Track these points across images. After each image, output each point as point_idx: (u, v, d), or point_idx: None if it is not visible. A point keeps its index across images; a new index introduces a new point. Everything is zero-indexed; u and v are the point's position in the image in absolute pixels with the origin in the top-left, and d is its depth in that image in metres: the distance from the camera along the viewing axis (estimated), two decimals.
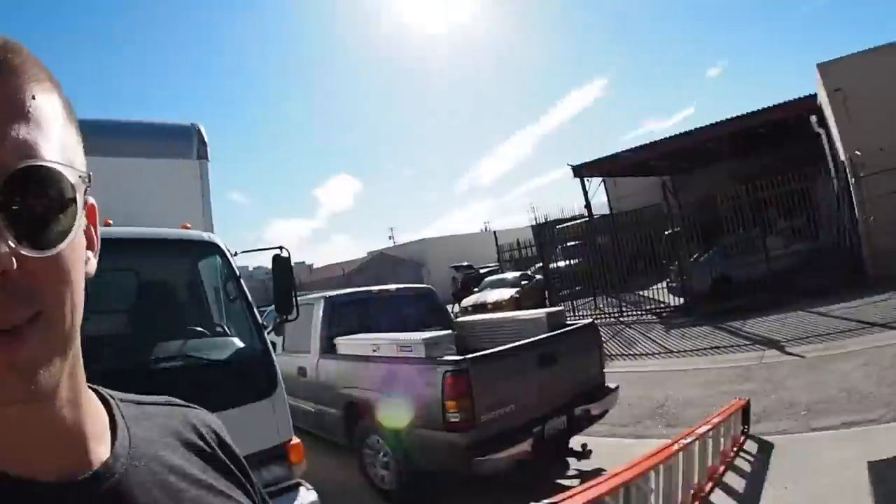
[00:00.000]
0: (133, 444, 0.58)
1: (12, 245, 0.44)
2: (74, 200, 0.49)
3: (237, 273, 3.70)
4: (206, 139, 4.58)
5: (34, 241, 0.45)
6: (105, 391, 0.62)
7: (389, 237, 57.25)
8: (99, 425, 0.57)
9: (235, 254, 3.89)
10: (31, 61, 0.50)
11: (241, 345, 3.64)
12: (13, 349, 0.44)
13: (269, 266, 4.13)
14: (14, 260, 0.44)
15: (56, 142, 0.49)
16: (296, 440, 3.51)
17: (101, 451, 0.56)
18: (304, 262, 51.86)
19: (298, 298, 4.03)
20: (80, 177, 0.49)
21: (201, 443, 0.67)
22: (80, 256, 0.52)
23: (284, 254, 3.87)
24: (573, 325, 6.00)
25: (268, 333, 3.71)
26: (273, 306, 4.19)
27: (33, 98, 0.49)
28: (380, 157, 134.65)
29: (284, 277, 3.88)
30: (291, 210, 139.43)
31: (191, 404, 0.72)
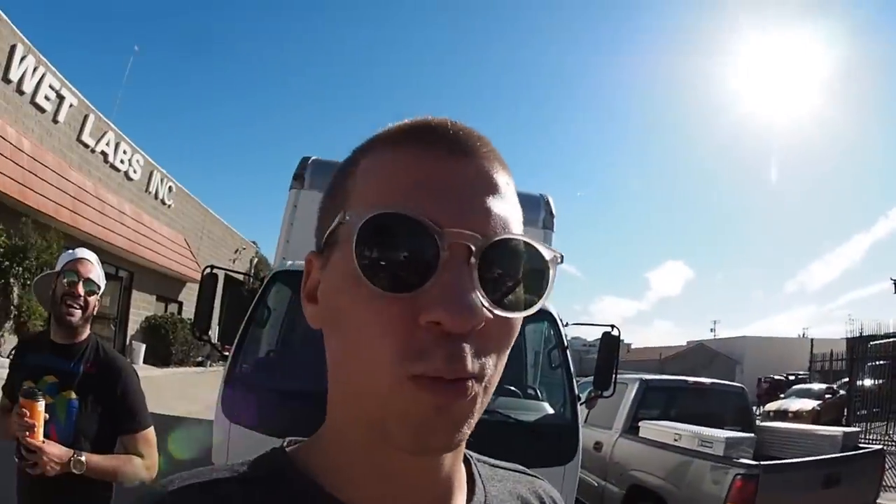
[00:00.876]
0: (487, 502, 0.60)
1: (486, 304, 0.46)
2: (547, 276, 0.51)
3: (565, 343, 3.77)
4: (553, 211, 4.68)
5: (501, 305, 0.47)
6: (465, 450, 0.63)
7: (711, 329, 56.23)
8: (461, 480, 0.59)
9: (566, 324, 3.99)
10: (495, 150, 0.54)
11: (551, 410, 3.70)
12: (451, 399, 0.45)
13: (586, 338, 4.31)
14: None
15: (519, 222, 0.53)
16: None
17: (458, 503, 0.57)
18: (623, 340, 53.75)
19: (617, 375, 4.04)
20: (554, 256, 0.52)
21: None
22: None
23: (615, 332, 3.94)
24: (863, 448, 5.91)
25: (581, 404, 3.72)
26: (584, 378, 4.26)
27: (507, 183, 0.53)
28: (717, 249, 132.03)
29: (610, 354, 3.94)
30: (621, 289, 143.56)
31: (537, 475, 0.72)
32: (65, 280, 2.11)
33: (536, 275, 0.51)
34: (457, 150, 0.52)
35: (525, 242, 0.50)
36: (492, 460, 0.68)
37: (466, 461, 0.63)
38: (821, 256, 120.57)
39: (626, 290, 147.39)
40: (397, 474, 0.52)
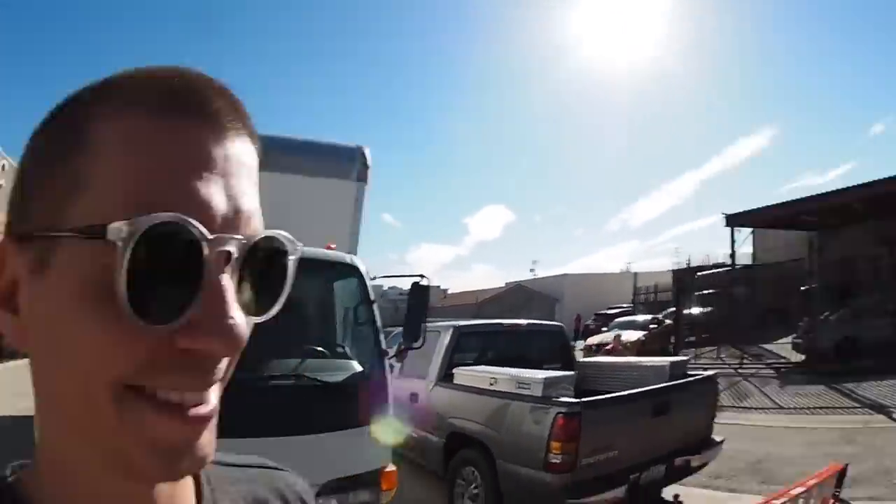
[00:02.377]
0: None
1: (243, 315, 0.42)
2: (288, 271, 0.47)
3: (371, 298, 3.71)
4: (368, 162, 4.54)
5: (255, 309, 0.44)
6: None
7: (531, 269, 57.25)
8: (188, 493, 0.52)
9: (374, 278, 3.90)
10: (248, 114, 0.46)
11: (359, 369, 3.65)
12: (198, 432, 0.42)
13: (402, 287, 4.10)
14: None
15: (260, 206, 0.46)
16: (391, 467, 3.51)
17: None
18: (439, 287, 52.47)
19: (427, 324, 4.05)
20: (296, 248, 0.47)
21: None
22: None
23: (424, 282, 3.88)
24: (693, 376, 5.87)
25: (390, 358, 3.72)
26: (400, 329, 4.30)
27: (256, 159, 0.46)
28: (538, 191, 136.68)
29: (419, 306, 3.91)
30: (439, 236, 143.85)
31: (281, 466, 0.67)
32: None
33: (280, 271, 0.47)
34: (220, 124, 0.43)
35: (273, 238, 0.45)
36: (228, 457, 0.61)
37: None
38: (647, 194, 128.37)
39: (444, 237, 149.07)
40: (121, 501, 0.46)
